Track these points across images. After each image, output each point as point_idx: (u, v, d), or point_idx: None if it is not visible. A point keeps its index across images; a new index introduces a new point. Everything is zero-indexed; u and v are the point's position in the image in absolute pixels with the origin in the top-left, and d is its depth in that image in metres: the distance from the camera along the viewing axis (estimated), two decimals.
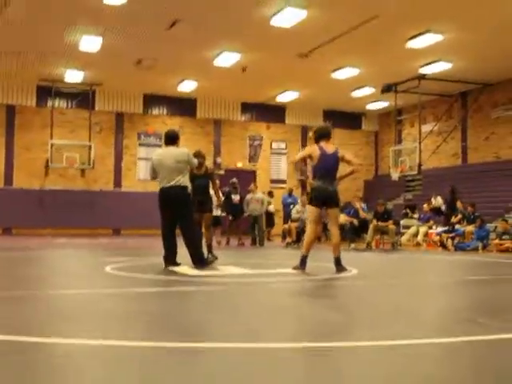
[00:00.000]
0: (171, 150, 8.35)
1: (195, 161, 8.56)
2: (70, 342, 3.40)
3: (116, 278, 7.24)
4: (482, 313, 4.74)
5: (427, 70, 20.27)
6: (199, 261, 8.29)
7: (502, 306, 5.21)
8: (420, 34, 16.70)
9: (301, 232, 17.29)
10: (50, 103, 23.02)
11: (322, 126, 8.79)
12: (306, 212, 16.87)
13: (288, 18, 15.26)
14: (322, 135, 8.25)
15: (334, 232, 8.09)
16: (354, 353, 3.25)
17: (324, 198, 7.96)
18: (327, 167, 7.99)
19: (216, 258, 9.53)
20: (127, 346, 3.29)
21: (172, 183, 8.17)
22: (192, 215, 8.48)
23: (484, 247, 14.95)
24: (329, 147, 8.14)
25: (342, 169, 8.26)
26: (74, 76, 21.42)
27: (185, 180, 8.23)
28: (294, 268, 7.93)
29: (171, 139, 8.44)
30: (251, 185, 18.30)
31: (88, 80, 22.15)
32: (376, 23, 15.67)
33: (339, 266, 7.83)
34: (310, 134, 29.05)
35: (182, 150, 8.40)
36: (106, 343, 3.36)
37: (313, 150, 8.14)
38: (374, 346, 3.39)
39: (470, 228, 15.80)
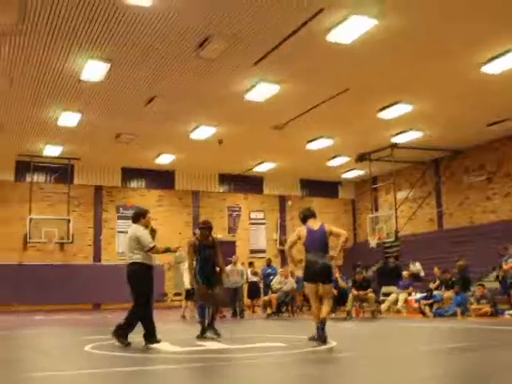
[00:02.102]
0: (130, 228, 8.75)
1: (144, 238, 8.39)
2: None
3: (96, 357, 7.21)
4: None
5: (399, 139, 20.80)
6: (114, 335, 8.30)
7: (476, 377, 5.28)
8: (390, 105, 17.25)
9: (281, 303, 17.31)
10: (28, 178, 23.09)
11: (305, 208, 9.18)
12: (288, 283, 17.06)
13: (261, 92, 15.74)
14: (307, 216, 8.76)
15: (325, 308, 8.23)
16: None
17: (316, 271, 8.21)
18: (315, 242, 8.40)
19: (218, 335, 9.31)
20: None
21: (127, 261, 8.50)
22: (138, 291, 8.31)
23: (463, 312, 15.02)
24: (314, 224, 8.62)
25: (334, 244, 8.52)
26: (52, 151, 21.58)
27: (137, 257, 8.37)
28: (310, 339, 8.12)
29: (133, 217, 8.79)
30: (234, 256, 18.39)
31: (66, 154, 22.31)
32: (347, 95, 16.18)
33: (322, 332, 7.98)
34: (289, 202, 29.52)
35: (133, 228, 8.62)
36: None
37: (299, 231, 8.64)
38: None
39: (449, 293, 15.92)
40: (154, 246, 8.42)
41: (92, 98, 16.27)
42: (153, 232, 8.91)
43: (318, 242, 8.43)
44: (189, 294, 16.45)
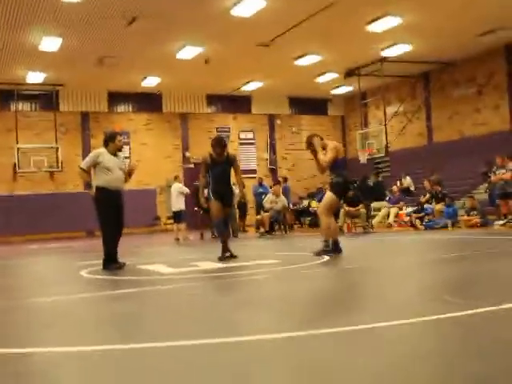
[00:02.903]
0: None
1: (88, 159, 8.58)
2: (49, 350, 3.46)
3: (93, 281, 7.29)
4: (449, 291, 4.89)
5: (388, 53, 20.50)
6: (103, 262, 8.40)
7: (466, 283, 5.37)
8: (379, 18, 16.88)
9: (274, 222, 17.48)
10: (13, 107, 22.75)
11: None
12: (280, 202, 17.15)
13: (247, 7, 15.37)
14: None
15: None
16: (327, 339, 3.35)
17: (346, 188, 9.06)
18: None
19: (233, 256, 9.02)
20: (103, 350, 3.36)
21: None
22: (100, 214, 8.47)
23: (453, 224, 15.22)
24: None
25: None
26: (36, 77, 21.19)
27: (96, 182, 8.55)
28: (318, 253, 8.53)
29: (103, 142, 8.78)
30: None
31: (50, 81, 21.93)
32: (334, 9, 15.79)
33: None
34: (278, 121, 29.36)
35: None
36: (84, 349, 3.42)
37: (338, 145, 9.02)
38: (350, 330, 3.50)
39: (439, 206, 16.07)
40: (79, 168, 8.75)
41: (72, 21, 15.80)
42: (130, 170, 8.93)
43: None
44: (177, 217, 16.59)
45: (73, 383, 2.88)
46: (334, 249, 8.58)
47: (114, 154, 8.64)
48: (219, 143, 8.94)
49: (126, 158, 24.52)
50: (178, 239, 16.35)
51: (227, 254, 8.90)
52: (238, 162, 9.35)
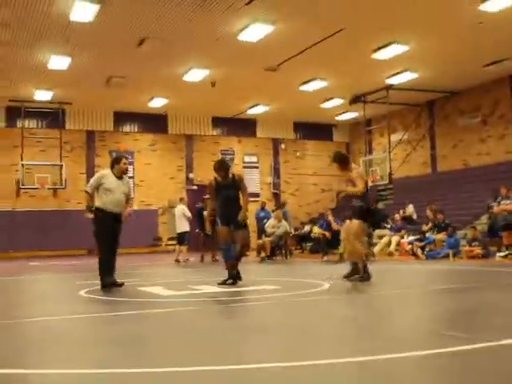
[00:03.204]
0: None
1: (92, 181, 8.73)
2: (46, 372, 3.44)
3: (91, 301, 7.26)
4: (449, 325, 4.86)
5: (394, 81, 20.58)
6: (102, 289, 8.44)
7: (466, 317, 5.33)
8: (385, 46, 16.99)
9: (275, 247, 17.44)
10: (19, 123, 22.84)
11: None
12: (281, 227, 17.14)
13: (254, 33, 15.46)
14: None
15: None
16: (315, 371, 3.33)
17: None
18: None
19: (237, 280, 8.74)
20: (102, 373, 3.34)
21: None
22: (94, 235, 8.58)
23: (454, 254, 15.17)
24: None
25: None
26: (43, 95, 21.30)
27: (97, 202, 8.62)
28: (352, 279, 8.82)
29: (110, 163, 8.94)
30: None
31: (57, 99, 22.04)
32: (342, 36, 15.90)
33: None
34: (283, 145, 29.51)
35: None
36: (81, 372, 3.40)
37: (361, 171, 9.56)
38: (345, 362, 3.48)
39: (441, 236, 16.03)
40: (85, 191, 8.86)
41: (82, 41, 15.93)
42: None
43: None
44: (180, 238, 16.65)
45: None
46: (365, 274, 8.84)
47: (120, 177, 8.74)
48: (222, 166, 8.84)
49: (129, 177, 24.60)
50: (178, 260, 16.37)
51: (229, 281, 8.58)
52: (243, 182, 9.08)
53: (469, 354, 3.65)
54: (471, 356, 3.62)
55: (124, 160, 8.87)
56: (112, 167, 8.77)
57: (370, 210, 9.24)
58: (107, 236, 8.51)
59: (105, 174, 8.74)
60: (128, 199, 8.98)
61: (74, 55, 17.00)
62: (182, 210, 16.76)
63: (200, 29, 15.28)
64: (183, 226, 16.55)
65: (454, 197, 20.93)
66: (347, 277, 8.89)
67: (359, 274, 8.86)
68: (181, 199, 17.51)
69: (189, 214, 16.66)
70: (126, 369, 3.44)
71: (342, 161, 9.24)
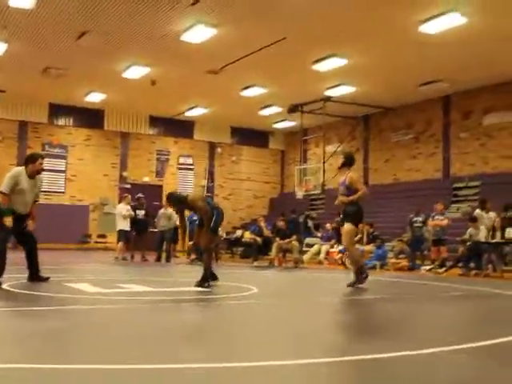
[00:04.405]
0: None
1: (10, 180, 7.96)
2: None
3: (12, 295, 7.08)
4: (363, 332, 4.97)
5: (332, 93, 20.94)
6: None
7: (387, 325, 5.47)
8: (325, 58, 17.28)
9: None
10: None
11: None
12: None
13: (198, 34, 15.46)
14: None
15: None
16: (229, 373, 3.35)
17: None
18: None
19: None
20: (23, 368, 3.27)
21: None
22: None
23: (381, 266, 15.52)
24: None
25: None
26: None
27: None
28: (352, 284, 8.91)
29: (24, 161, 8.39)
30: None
31: None
32: (284, 45, 16.08)
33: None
34: (219, 150, 29.48)
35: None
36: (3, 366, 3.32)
37: (357, 175, 9.60)
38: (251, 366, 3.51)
39: (369, 247, 16.37)
40: (2, 192, 7.93)
41: (20, 27, 15.53)
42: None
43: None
44: (121, 236, 16.62)
45: None
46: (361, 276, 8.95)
47: (31, 177, 8.16)
48: (170, 202, 9.10)
49: (61, 172, 24.11)
50: (117, 258, 16.31)
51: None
52: (197, 202, 8.82)
53: (388, 362, 3.74)
54: (390, 363, 3.71)
55: (40, 160, 8.25)
56: (25, 165, 8.14)
57: (361, 213, 9.13)
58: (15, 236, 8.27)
59: (20, 172, 8.07)
60: (36, 200, 8.42)
61: (11, 41, 16.53)
62: (120, 208, 16.85)
63: (143, 26, 15.16)
64: (120, 225, 16.53)
65: (384, 210, 21.41)
66: (352, 285, 8.94)
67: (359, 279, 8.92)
68: (124, 197, 17.43)
69: (126, 213, 16.59)
70: (43, 364, 3.37)
71: (351, 163, 9.31)
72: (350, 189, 8.96)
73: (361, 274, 8.99)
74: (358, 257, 9.38)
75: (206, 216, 8.66)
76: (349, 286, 8.95)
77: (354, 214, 8.96)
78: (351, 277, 9.20)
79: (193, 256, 17.09)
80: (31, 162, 8.16)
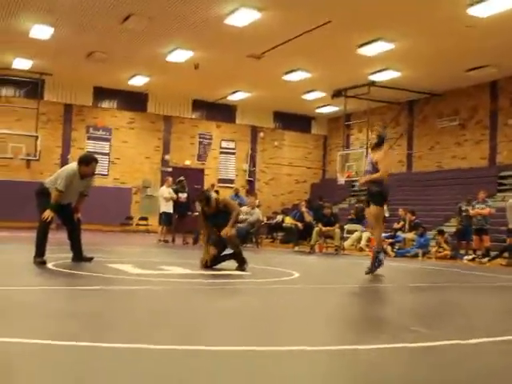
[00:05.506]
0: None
1: (65, 180, 8.06)
2: (8, 340, 3.39)
3: (56, 274, 7.19)
4: (414, 320, 4.90)
5: (376, 77, 20.66)
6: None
7: (431, 314, 5.38)
8: (370, 42, 17.00)
9: (246, 234, 17.40)
10: None
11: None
12: (254, 214, 17.14)
13: (241, 18, 15.37)
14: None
15: None
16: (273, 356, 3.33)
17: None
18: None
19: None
20: (64, 346, 3.30)
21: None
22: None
23: (424, 254, 15.33)
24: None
25: None
26: (22, 64, 20.95)
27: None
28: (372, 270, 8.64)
29: (78, 159, 8.42)
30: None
31: (37, 69, 21.71)
32: (329, 28, 15.88)
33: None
34: (261, 134, 29.42)
35: (70, 165, 8.55)
36: (43, 342, 3.36)
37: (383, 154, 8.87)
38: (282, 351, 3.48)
39: (411, 235, 16.18)
40: (56, 191, 8.05)
41: (66, 12, 15.66)
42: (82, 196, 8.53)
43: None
44: (163, 218, 16.82)
45: (24, 375, 2.81)
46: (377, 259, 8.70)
47: (82, 178, 8.27)
48: (202, 201, 8.77)
49: (105, 154, 24.38)
50: (160, 240, 16.47)
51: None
52: (231, 205, 8.88)
53: (438, 350, 3.68)
54: (438, 352, 3.65)
55: (94, 164, 8.33)
56: (79, 165, 8.19)
57: (386, 193, 8.84)
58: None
59: (75, 172, 8.15)
60: (83, 194, 8.51)
61: (57, 26, 16.71)
62: (163, 190, 17.10)
63: (187, 9, 15.13)
64: (163, 207, 16.70)
65: (427, 197, 21.13)
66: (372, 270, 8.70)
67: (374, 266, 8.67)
68: (166, 180, 17.66)
69: (168, 195, 16.76)
70: (85, 342, 3.40)
71: (382, 142, 8.97)
72: (376, 168, 8.70)
73: (376, 259, 8.68)
74: (381, 241, 9.15)
75: (235, 215, 8.66)
76: (370, 271, 8.65)
77: (377, 194, 8.67)
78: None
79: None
80: (85, 165, 8.24)
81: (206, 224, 8.83)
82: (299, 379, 2.92)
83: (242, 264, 8.55)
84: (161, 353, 3.26)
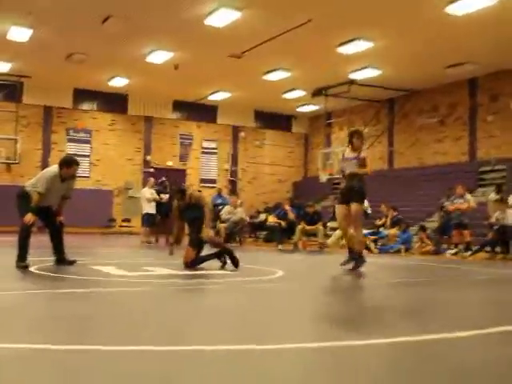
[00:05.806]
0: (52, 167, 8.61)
1: (45, 184, 8.07)
2: None
3: (39, 277, 7.15)
4: (399, 315, 4.94)
5: (356, 76, 20.75)
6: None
7: (417, 309, 5.43)
8: (350, 41, 17.08)
9: (230, 234, 17.44)
10: None
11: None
12: (238, 213, 17.16)
13: (222, 18, 15.36)
14: None
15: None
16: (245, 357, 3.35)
17: None
18: None
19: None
20: (48, 349, 3.29)
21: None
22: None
23: (406, 250, 15.44)
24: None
25: None
26: (0, 67, 20.77)
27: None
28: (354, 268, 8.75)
29: (59, 161, 8.40)
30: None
31: (16, 72, 21.53)
32: (308, 28, 15.90)
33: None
34: (242, 134, 29.39)
35: (51, 168, 8.54)
36: (27, 347, 3.34)
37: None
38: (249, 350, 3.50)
39: (393, 231, 16.27)
40: (37, 193, 8.03)
41: (45, 13, 15.55)
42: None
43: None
44: (146, 219, 16.74)
45: (8, 380, 2.80)
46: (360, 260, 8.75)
47: (63, 180, 8.26)
48: (177, 193, 9.01)
49: (86, 156, 24.23)
50: (143, 242, 16.49)
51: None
52: (201, 200, 9.05)
53: (426, 344, 3.71)
54: (424, 345, 3.69)
55: (75, 167, 8.31)
56: (60, 168, 8.18)
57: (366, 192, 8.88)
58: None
59: (56, 175, 8.14)
60: (65, 197, 8.51)
61: (36, 27, 16.58)
62: (145, 191, 17.05)
63: (167, 10, 15.10)
64: (146, 208, 16.69)
65: (409, 193, 21.26)
66: (344, 264, 8.87)
67: (357, 261, 8.76)
68: (148, 181, 17.61)
69: (150, 196, 16.71)
70: (70, 345, 3.39)
71: (361, 137, 9.20)
72: (361, 164, 8.80)
73: (360, 258, 8.78)
74: (363, 240, 9.22)
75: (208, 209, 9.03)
76: (353, 269, 8.75)
77: (361, 191, 8.69)
78: (369, 260, 9.17)
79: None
80: (66, 167, 8.22)
81: (181, 218, 8.95)
82: (285, 377, 2.94)
83: (234, 261, 8.64)
84: (147, 354, 3.26)
